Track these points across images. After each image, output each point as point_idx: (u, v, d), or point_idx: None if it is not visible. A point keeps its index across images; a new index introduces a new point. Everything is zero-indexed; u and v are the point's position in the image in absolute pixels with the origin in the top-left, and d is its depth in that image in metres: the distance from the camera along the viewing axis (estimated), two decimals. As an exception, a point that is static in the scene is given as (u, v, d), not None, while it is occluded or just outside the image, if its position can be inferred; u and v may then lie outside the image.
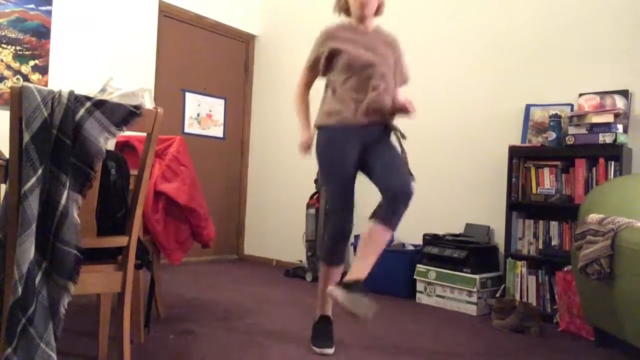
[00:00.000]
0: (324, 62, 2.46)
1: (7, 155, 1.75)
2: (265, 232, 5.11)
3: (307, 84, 2.59)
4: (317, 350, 2.33)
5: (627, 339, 2.24)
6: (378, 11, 2.51)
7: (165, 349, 2.28)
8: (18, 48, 3.67)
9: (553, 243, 3.16)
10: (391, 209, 2.19)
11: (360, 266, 2.20)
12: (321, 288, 2.45)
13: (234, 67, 5.22)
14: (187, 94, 4.80)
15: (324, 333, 2.40)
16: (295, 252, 4.76)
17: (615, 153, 2.91)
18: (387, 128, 2.47)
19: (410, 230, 3.96)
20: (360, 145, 2.37)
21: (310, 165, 4.61)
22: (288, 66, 5.01)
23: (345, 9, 2.53)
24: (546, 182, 3.21)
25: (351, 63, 2.37)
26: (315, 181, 4.34)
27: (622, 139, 2.93)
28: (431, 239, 3.56)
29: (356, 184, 2.42)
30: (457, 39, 3.88)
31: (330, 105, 2.42)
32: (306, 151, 2.49)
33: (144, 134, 1.80)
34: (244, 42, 5.29)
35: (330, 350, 2.33)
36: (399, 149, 2.42)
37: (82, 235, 1.63)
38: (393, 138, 2.48)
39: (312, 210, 4.20)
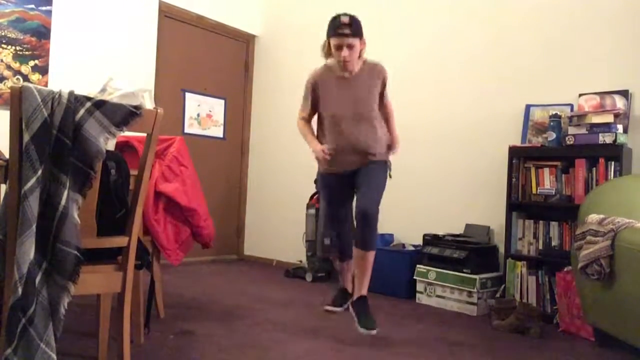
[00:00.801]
0: (313, 105, 2.73)
1: (7, 155, 1.75)
2: (265, 232, 5.11)
3: (306, 120, 2.78)
4: (326, 306, 2.78)
5: (627, 339, 2.24)
6: (360, 55, 2.62)
7: (165, 349, 2.28)
8: (18, 48, 3.67)
9: (553, 243, 3.16)
10: (360, 230, 2.56)
11: (360, 285, 2.65)
12: (339, 271, 2.89)
13: (234, 67, 5.22)
14: (187, 94, 4.80)
15: (339, 296, 2.82)
16: (295, 252, 4.76)
17: (615, 153, 2.90)
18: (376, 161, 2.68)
19: (410, 230, 3.96)
20: (349, 179, 2.69)
21: (310, 166, 4.61)
22: (288, 66, 5.01)
23: (330, 54, 2.64)
24: (546, 182, 3.21)
25: (334, 118, 2.64)
26: (315, 181, 4.33)
27: (622, 139, 2.93)
28: (431, 240, 3.56)
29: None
30: (456, 39, 3.88)
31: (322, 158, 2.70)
32: (324, 156, 2.59)
33: (144, 134, 1.80)
34: (244, 42, 5.29)
35: (337, 309, 2.76)
36: (380, 173, 2.68)
37: (82, 236, 1.63)
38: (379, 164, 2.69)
39: (312, 210, 4.20)
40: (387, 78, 2.71)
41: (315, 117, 2.79)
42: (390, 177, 2.73)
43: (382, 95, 2.71)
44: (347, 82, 2.65)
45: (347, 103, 2.63)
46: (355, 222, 2.62)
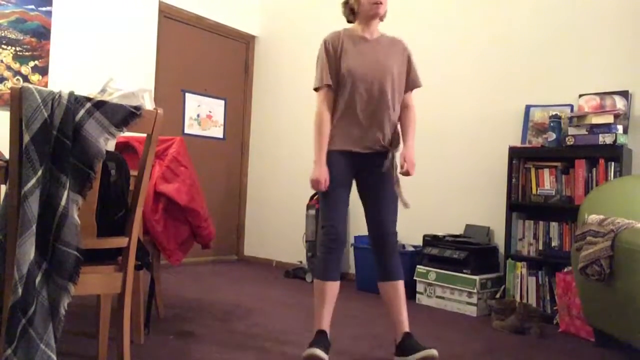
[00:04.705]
0: (336, 73, 2.31)
1: (7, 156, 1.75)
2: (265, 232, 5.11)
3: (329, 104, 2.32)
4: (307, 350, 2.15)
5: (627, 339, 2.24)
6: (382, 16, 2.42)
7: (165, 349, 2.28)
8: (18, 49, 3.67)
9: (553, 244, 3.16)
10: (385, 257, 2.32)
11: (402, 322, 2.30)
12: (317, 305, 2.29)
13: (234, 67, 5.22)
14: (187, 95, 4.80)
15: (318, 342, 2.22)
16: (295, 252, 4.76)
17: (615, 154, 2.91)
18: (386, 154, 2.35)
19: (410, 231, 3.96)
20: (356, 169, 2.36)
21: (310, 166, 4.61)
22: (288, 66, 5.01)
23: (351, 11, 2.41)
24: (546, 182, 3.21)
25: (356, 77, 2.28)
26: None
27: (622, 139, 2.93)
28: (431, 240, 3.56)
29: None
30: (457, 40, 3.88)
31: (333, 131, 2.33)
32: (320, 188, 2.25)
33: (144, 135, 1.80)
34: (244, 43, 5.29)
35: (321, 353, 2.11)
36: (392, 178, 2.36)
37: (82, 236, 1.63)
38: (389, 163, 2.36)
39: (312, 211, 4.20)
40: (410, 52, 2.43)
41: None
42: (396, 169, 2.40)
43: (405, 75, 2.39)
44: (368, 43, 2.36)
45: (369, 62, 2.31)
46: (375, 253, 2.33)
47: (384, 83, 2.31)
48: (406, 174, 2.32)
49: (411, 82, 2.44)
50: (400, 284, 2.32)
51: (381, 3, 2.32)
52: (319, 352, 2.10)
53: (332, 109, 2.33)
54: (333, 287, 2.26)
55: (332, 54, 2.32)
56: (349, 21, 2.49)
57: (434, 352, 2.16)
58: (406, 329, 2.29)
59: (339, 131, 2.33)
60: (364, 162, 2.35)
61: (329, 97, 2.32)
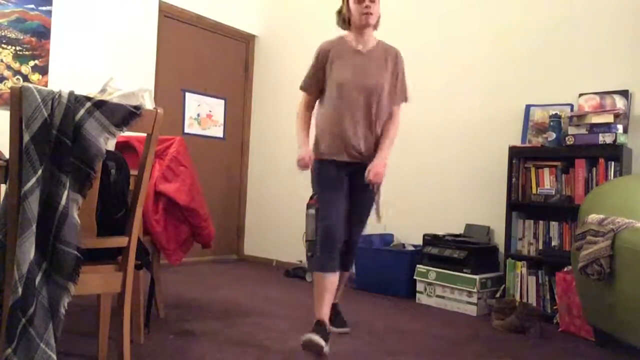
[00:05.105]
0: (320, 82, 2.48)
1: (7, 155, 1.75)
2: (265, 232, 5.11)
3: (308, 105, 2.55)
4: (306, 335, 2.18)
5: (627, 339, 2.24)
6: (376, 25, 2.48)
7: (165, 349, 2.28)
8: (18, 48, 3.67)
9: (553, 243, 3.16)
10: (348, 256, 2.60)
11: (336, 296, 2.66)
12: (315, 296, 2.38)
13: (234, 67, 5.22)
14: (187, 94, 4.80)
15: (318, 332, 2.27)
16: (295, 252, 4.76)
17: (615, 153, 2.90)
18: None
19: (411, 230, 3.96)
20: (346, 173, 2.50)
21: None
22: (288, 66, 5.01)
23: (344, 20, 2.48)
24: (546, 182, 3.21)
25: (342, 88, 2.40)
26: (315, 181, 4.33)
27: (622, 139, 2.93)
28: (431, 240, 3.56)
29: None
30: (456, 39, 3.88)
31: (321, 137, 2.48)
32: (304, 167, 2.46)
33: (144, 135, 1.80)
34: (244, 42, 5.29)
35: (319, 339, 2.15)
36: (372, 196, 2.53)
37: (82, 236, 1.63)
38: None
39: (312, 211, 4.17)
40: (403, 64, 2.52)
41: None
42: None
43: (394, 88, 2.48)
44: (361, 53, 2.45)
45: (359, 73, 2.40)
46: (342, 253, 2.48)
47: (371, 97, 2.42)
48: (369, 182, 2.43)
49: (399, 96, 2.53)
50: (347, 273, 2.68)
51: (371, 14, 2.38)
52: (316, 337, 2.15)
53: (310, 109, 2.55)
54: (329, 279, 2.34)
55: (321, 64, 2.47)
56: (343, 30, 2.55)
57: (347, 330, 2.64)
58: (336, 300, 2.69)
59: (325, 141, 2.47)
60: (352, 169, 2.48)
61: (308, 100, 2.54)
